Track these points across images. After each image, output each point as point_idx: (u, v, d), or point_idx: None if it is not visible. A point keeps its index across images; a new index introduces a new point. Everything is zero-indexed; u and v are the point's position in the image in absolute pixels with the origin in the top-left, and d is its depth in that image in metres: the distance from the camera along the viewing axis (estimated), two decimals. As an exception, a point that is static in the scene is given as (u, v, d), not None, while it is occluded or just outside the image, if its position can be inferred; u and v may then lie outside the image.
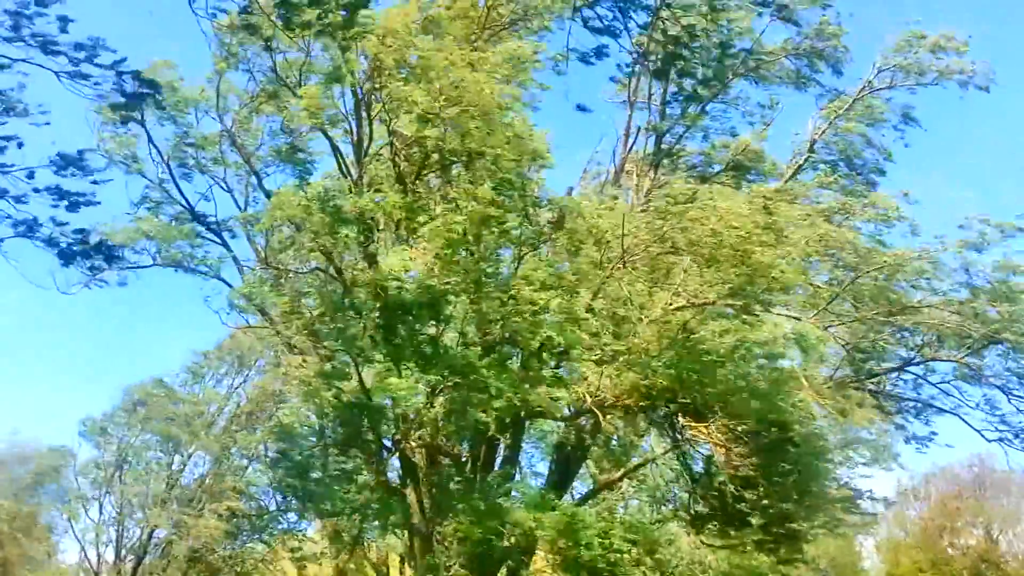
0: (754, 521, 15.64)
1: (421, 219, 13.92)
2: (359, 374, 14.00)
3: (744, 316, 13.97)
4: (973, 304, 16.00)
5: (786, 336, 14.36)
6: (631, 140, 18.89)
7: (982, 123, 58.93)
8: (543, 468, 18.40)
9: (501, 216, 14.65)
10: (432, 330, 14.90)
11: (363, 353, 14.35)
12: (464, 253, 14.83)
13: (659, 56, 18.56)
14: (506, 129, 13.92)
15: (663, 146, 19.34)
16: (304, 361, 15.38)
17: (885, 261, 15.29)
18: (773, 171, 19.10)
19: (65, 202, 12.86)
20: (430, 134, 13.94)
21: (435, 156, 15.08)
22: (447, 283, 14.40)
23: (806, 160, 18.88)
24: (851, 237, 14.98)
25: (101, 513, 34.86)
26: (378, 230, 14.49)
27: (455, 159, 14.98)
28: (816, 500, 16.14)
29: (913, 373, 18.47)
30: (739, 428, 14.02)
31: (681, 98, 19.29)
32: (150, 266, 16.63)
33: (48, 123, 12.36)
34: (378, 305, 14.67)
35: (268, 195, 16.88)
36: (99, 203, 13.46)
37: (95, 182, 13.11)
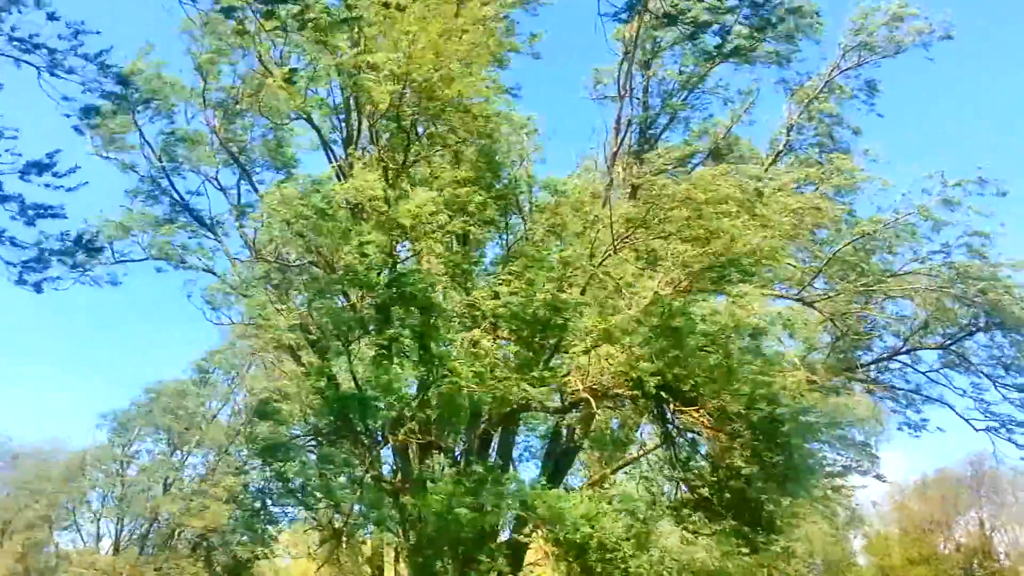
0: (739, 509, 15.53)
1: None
2: (350, 362, 13.87)
3: (729, 295, 13.90)
4: (952, 264, 16.05)
5: (771, 315, 14.34)
6: (621, 132, 18.81)
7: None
8: (538, 465, 18.29)
9: (478, 193, 14.60)
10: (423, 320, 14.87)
11: (355, 339, 14.27)
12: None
13: (643, 46, 18.46)
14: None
15: (646, 138, 19.24)
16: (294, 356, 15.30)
17: (863, 230, 15.28)
18: (754, 155, 19.01)
19: (28, 214, 12.42)
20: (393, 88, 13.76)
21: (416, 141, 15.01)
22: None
23: (784, 146, 18.94)
24: (824, 204, 14.96)
25: (103, 505, 35.60)
26: (363, 219, 14.43)
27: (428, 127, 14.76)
28: (805, 480, 16.01)
29: (900, 362, 18.52)
30: (729, 410, 13.93)
31: (663, 89, 19.24)
32: (141, 260, 16.64)
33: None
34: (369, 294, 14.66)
35: (257, 190, 16.88)
36: (66, 217, 12.96)
37: (69, 189, 12.56)
